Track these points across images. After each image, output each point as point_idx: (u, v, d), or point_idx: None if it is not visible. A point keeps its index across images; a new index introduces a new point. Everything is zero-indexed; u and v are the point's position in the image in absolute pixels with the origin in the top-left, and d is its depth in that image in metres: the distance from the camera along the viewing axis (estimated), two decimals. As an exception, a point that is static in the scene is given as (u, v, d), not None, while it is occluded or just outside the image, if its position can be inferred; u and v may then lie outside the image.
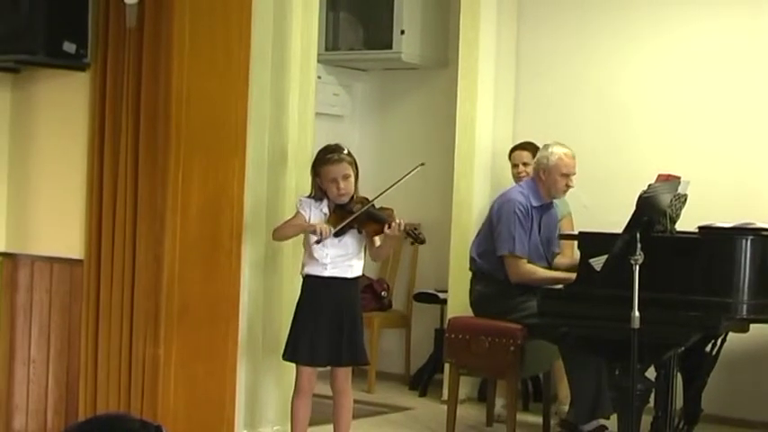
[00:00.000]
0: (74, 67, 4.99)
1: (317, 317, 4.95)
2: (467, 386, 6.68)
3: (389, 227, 4.82)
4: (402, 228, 4.82)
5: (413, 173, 5.00)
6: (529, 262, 5.83)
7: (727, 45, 6.53)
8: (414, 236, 4.88)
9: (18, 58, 4.97)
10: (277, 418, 5.41)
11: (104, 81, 4.93)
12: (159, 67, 4.79)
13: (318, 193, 5.00)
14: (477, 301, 6.00)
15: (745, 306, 4.77)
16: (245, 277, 5.21)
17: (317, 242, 4.86)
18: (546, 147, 5.99)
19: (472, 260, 6.06)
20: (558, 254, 6.09)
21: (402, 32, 7.22)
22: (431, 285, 7.28)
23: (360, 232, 4.93)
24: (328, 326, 4.94)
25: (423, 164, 5.02)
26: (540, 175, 5.93)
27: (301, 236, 5.04)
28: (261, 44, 5.22)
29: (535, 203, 5.91)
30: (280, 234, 5.07)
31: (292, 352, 5.01)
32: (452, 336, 5.86)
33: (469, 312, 6.08)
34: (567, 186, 5.95)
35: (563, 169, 5.88)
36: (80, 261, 5.03)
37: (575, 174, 5.95)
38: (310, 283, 5.00)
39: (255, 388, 5.34)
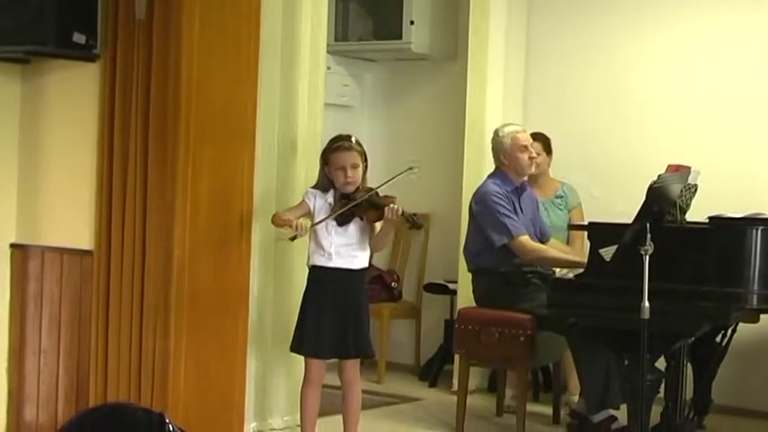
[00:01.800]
0: (83, 58, 4.98)
1: (322, 308, 4.95)
2: (477, 377, 6.67)
3: (389, 211, 4.83)
4: (400, 213, 4.83)
5: (402, 176, 5.01)
6: None
7: (740, 37, 6.50)
8: (411, 220, 4.90)
9: (28, 48, 4.96)
10: (286, 409, 5.43)
11: (114, 72, 4.93)
12: (169, 58, 4.79)
13: (324, 183, 5.00)
14: (481, 297, 5.98)
15: (755, 296, 4.76)
16: (255, 267, 5.22)
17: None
18: (496, 132, 6.08)
19: (468, 260, 6.06)
20: (547, 241, 6.10)
21: (412, 23, 7.21)
22: (441, 276, 7.27)
23: (362, 219, 4.94)
24: (333, 318, 4.94)
25: (411, 168, 5.04)
26: (503, 161, 5.99)
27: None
28: (270, 35, 5.22)
29: (509, 188, 5.94)
30: (274, 221, 5.05)
31: (298, 344, 5.02)
32: (462, 326, 5.85)
33: (479, 303, 6.08)
34: (531, 159, 6.00)
35: (520, 143, 5.97)
36: (90, 252, 5.04)
37: (533, 142, 6.05)
38: (316, 273, 5.01)
39: (265, 378, 5.35)
